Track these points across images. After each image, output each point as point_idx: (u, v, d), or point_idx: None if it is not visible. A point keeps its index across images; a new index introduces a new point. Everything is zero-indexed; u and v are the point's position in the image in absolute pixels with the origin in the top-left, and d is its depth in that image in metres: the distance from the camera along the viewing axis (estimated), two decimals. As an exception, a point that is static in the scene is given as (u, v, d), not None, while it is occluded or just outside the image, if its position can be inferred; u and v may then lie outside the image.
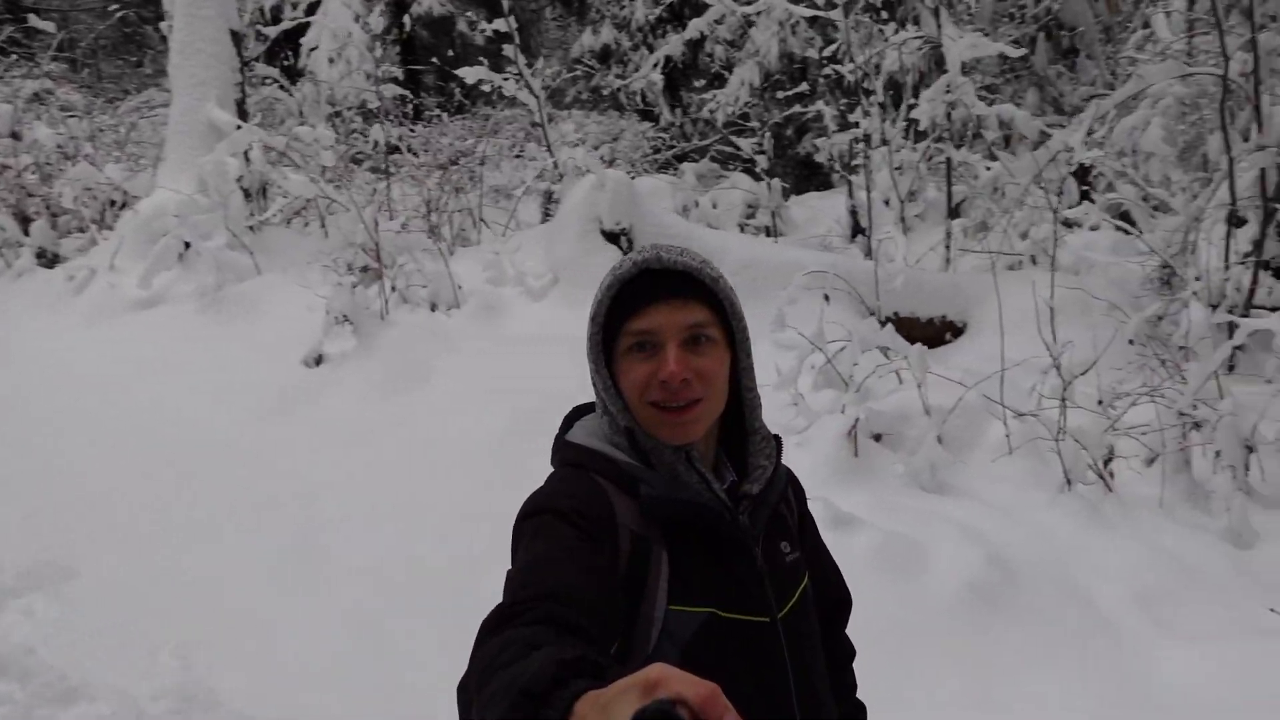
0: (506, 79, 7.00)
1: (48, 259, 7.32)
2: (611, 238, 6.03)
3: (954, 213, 8.37)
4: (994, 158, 8.71)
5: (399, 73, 12.32)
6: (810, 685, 1.18)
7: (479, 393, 4.66)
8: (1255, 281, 6.09)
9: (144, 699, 2.77)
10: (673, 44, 10.65)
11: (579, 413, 1.30)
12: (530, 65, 9.59)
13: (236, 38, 7.14)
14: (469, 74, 6.66)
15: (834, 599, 1.38)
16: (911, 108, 7.81)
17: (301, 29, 10.76)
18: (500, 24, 6.63)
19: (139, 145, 9.06)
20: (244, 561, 3.53)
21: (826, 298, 4.73)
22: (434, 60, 12.42)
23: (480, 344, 5.34)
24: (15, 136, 7.83)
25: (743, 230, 9.41)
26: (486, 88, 7.15)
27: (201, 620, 3.07)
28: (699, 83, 12.83)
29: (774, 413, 4.65)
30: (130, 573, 3.36)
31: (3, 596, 3.29)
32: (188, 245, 6.24)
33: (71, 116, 8.94)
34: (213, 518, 3.82)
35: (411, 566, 3.47)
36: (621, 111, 13.68)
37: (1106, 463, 4.15)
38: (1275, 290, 6.92)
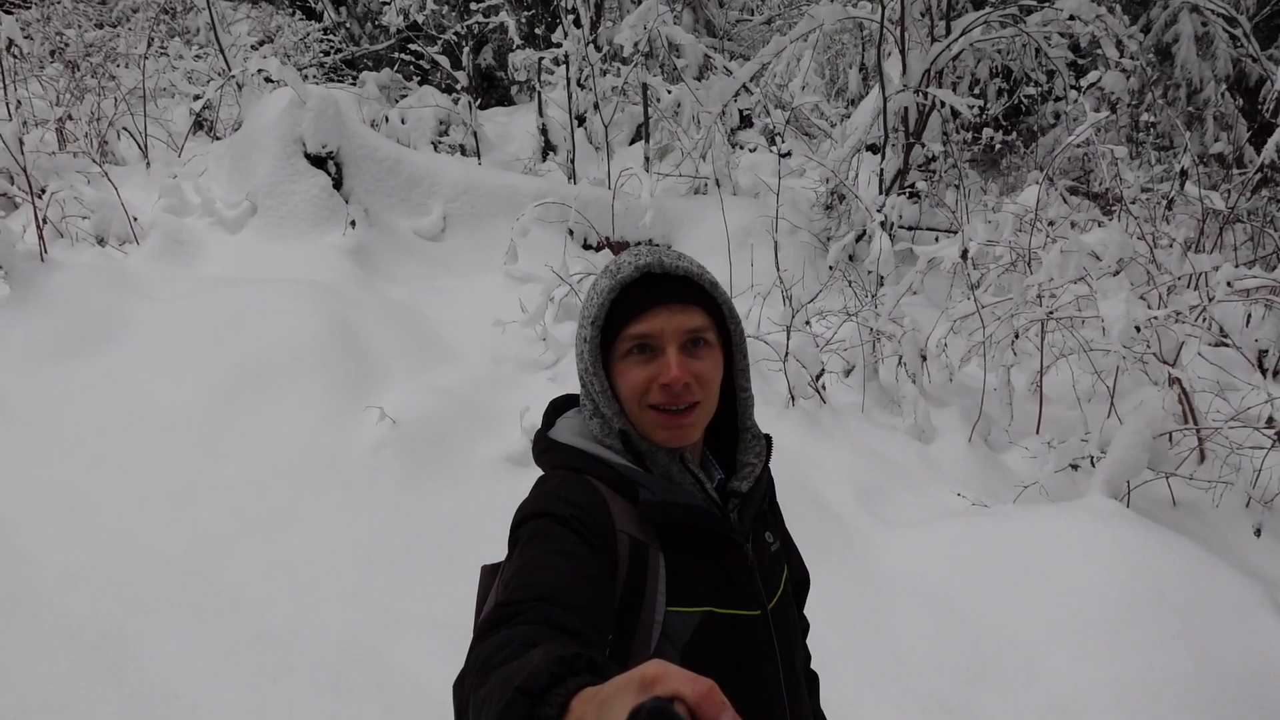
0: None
1: None
2: (317, 161, 5.49)
3: (644, 136, 8.70)
4: (675, 81, 9.13)
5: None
6: (794, 670, 1.26)
7: (183, 349, 4.08)
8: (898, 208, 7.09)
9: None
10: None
11: (557, 407, 1.28)
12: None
13: None
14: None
15: (798, 579, 1.45)
16: (598, 28, 7.87)
17: None
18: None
19: None
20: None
21: (571, 232, 4.74)
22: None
23: (175, 287, 4.65)
24: None
25: (437, 148, 9.01)
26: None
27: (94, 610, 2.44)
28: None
29: (520, 348, 4.63)
30: None
31: None
32: None
33: None
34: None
35: (135, 559, 3.01)
36: (277, 6, 12.24)
37: (819, 378, 4.69)
38: (910, 212, 8.14)
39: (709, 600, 1.14)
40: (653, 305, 1.14)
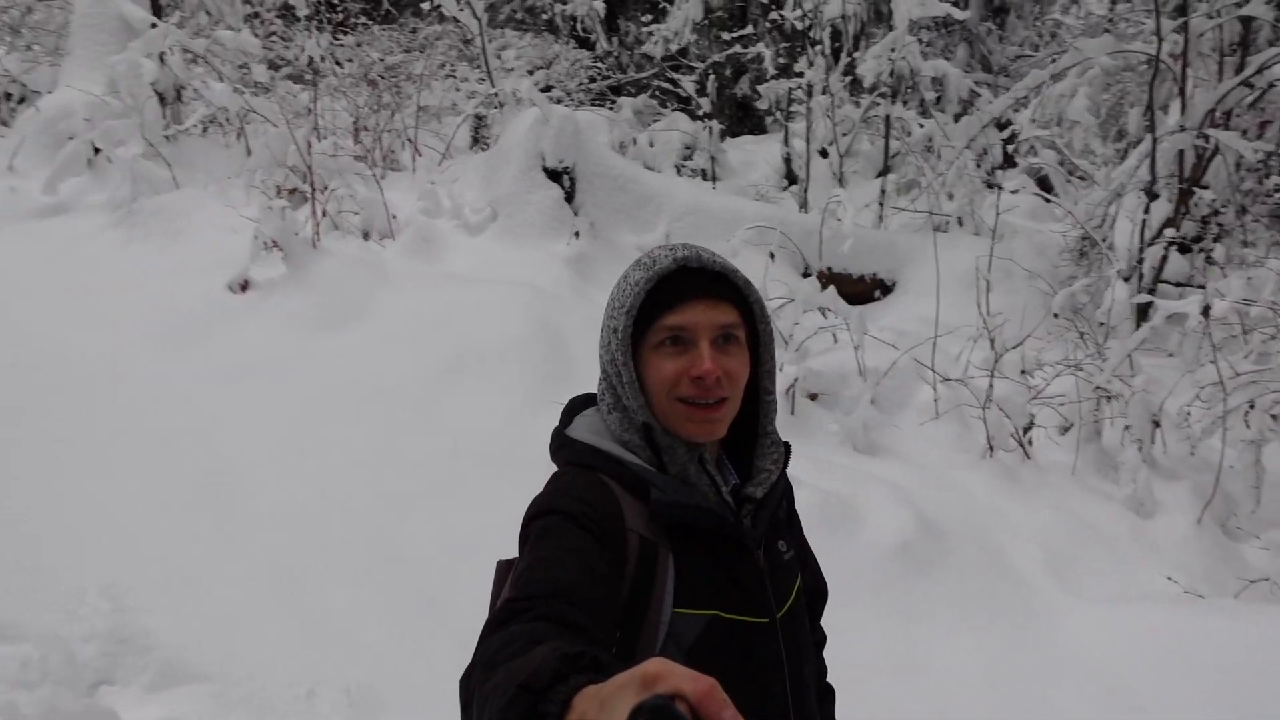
0: (450, -3, 6.68)
1: (-67, 154, 6.72)
2: (554, 175, 5.91)
3: (886, 169, 8.49)
4: (926, 114, 8.83)
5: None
6: (802, 681, 1.23)
7: (414, 332, 4.54)
8: (1165, 259, 6.41)
9: (75, 640, 2.67)
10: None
11: (575, 405, 1.29)
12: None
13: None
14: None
15: (814, 590, 1.43)
16: (851, 60, 7.80)
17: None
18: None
19: (37, 32, 8.33)
20: (153, 500, 3.39)
21: (772, 256, 4.76)
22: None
23: (417, 280, 5.19)
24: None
25: (679, 172, 9.34)
26: (425, 4, 6.80)
27: (122, 561, 2.95)
28: (640, 14, 12.52)
29: (713, 366, 4.69)
30: (41, 508, 3.20)
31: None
32: (98, 150, 5.82)
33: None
34: (119, 451, 3.65)
35: (327, 508, 3.40)
36: (556, 36, 13.27)
37: (1026, 430, 4.36)
38: (1180, 266, 7.31)
39: (717, 604, 1.13)
40: (688, 298, 1.14)
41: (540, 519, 1.09)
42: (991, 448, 4.25)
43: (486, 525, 3.40)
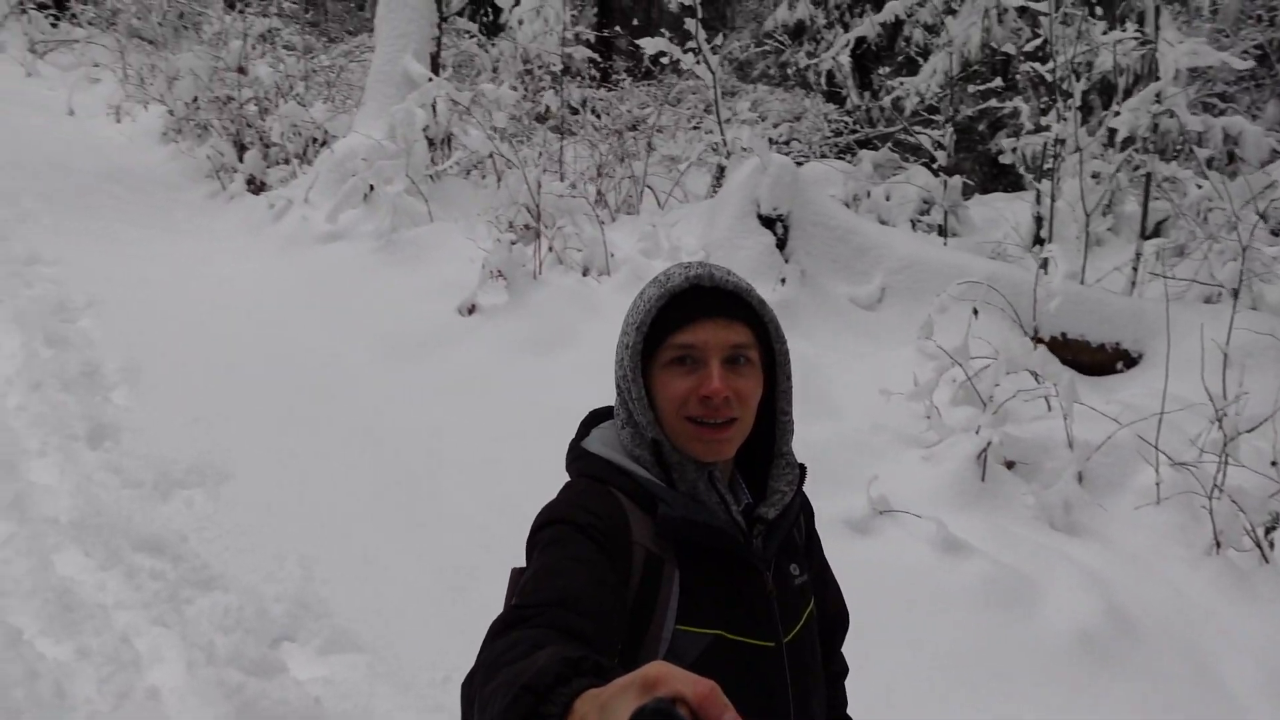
0: (687, 51, 7.01)
1: (256, 186, 8.04)
2: (767, 222, 5.98)
3: (1150, 232, 7.72)
4: (1205, 174, 7.95)
5: (591, 35, 12.55)
6: (808, 711, 1.20)
7: (607, 364, 4.78)
8: None
9: (268, 598, 3.08)
10: (867, 25, 10.28)
11: (595, 417, 1.31)
12: (718, 36, 9.55)
13: (438, -6, 7.52)
14: (649, 44, 6.72)
15: (833, 616, 1.39)
16: (1113, 114, 7.23)
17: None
18: (683, -5, 6.65)
19: (347, 88, 9.73)
20: (356, 488, 3.81)
21: (975, 311, 4.52)
22: (619, 26, 12.59)
23: (623, 314, 5.46)
24: (242, 71, 8.60)
25: (914, 227, 9.06)
26: (666, 60, 7.19)
27: (319, 537, 3.36)
28: (890, 68, 12.38)
29: (905, 422, 4.52)
30: (272, 483, 3.72)
31: (171, 487, 3.71)
32: (373, 187, 6.69)
33: (291, 54, 9.70)
34: (344, 445, 4.14)
35: (502, 517, 3.64)
36: (808, 90, 13.39)
37: (1268, 531, 3.78)
38: None
39: (720, 624, 1.13)
40: (699, 317, 1.14)
41: (548, 528, 1.11)
42: (1219, 544, 3.73)
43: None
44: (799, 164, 10.03)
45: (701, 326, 1.14)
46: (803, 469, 1.27)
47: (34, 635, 2.91)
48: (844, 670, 1.44)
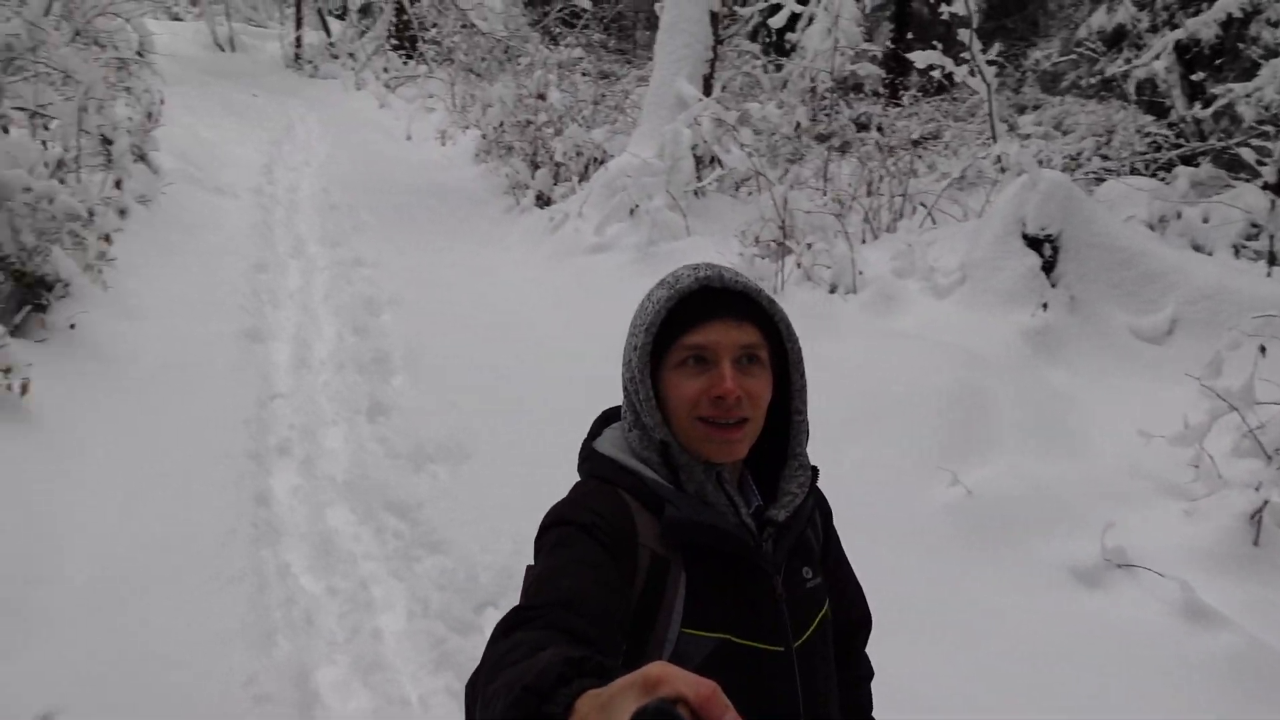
0: (961, 63, 6.69)
1: (544, 201, 8.82)
2: (1033, 243, 5.55)
3: None
4: None
5: (878, 51, 12.29)
6: (822, 716, 1.17)
7: (834, 377, 4.69)
8: None
9: (480, 566, 3.42)
10: (1198, 24, 9.13)
11: (608, 417, 1.30)
12: (1024, 46, 8.97)
13: (714, 18, 7.80)
14: (919, 58, 6.50)
15: (855, 619, 1.35)
16: None
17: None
18: (959, 6, 6.34)
19: (635, 111, 10.36)
20: (564, 481, 4.08)
21: (1263, 349, 3.90)
22: (917, 39, 12.18)
23: (860, 331, 5.33)
24: (541, 97, 9.49)
25: (1237, 253, 7.89)
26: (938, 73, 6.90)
27: (536, 519, 3.63)
28: (1232, 74, 10.83)
29: (1168, 470, 4.03)
30: (502, 466, 4.11)
31: (423, 460, 4.23)
32: (639, 203, 7.09)
33: (586, 80, 10.52)
34: (564, 440, 4.45)
35: None
36: (1125, 102, 12.11)
37: None
38: None
39: (727, 628, 1.11)
40: (709, 318, 1.14)
41: (555, 529, 1.12)
42: None
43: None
44: (1099, 182, 9.13)
45: (712, 327, 1.13)
46: (815, 471, 1.24)
47: (299, 571, 3.47)
48: (868, 674, 1.39)
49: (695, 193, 7.45)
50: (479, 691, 0.86)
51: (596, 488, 1.18)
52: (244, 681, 2.76)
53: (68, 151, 5.71)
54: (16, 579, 3.24)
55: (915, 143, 10.44)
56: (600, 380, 5.19)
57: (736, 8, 9.87)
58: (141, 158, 8.02)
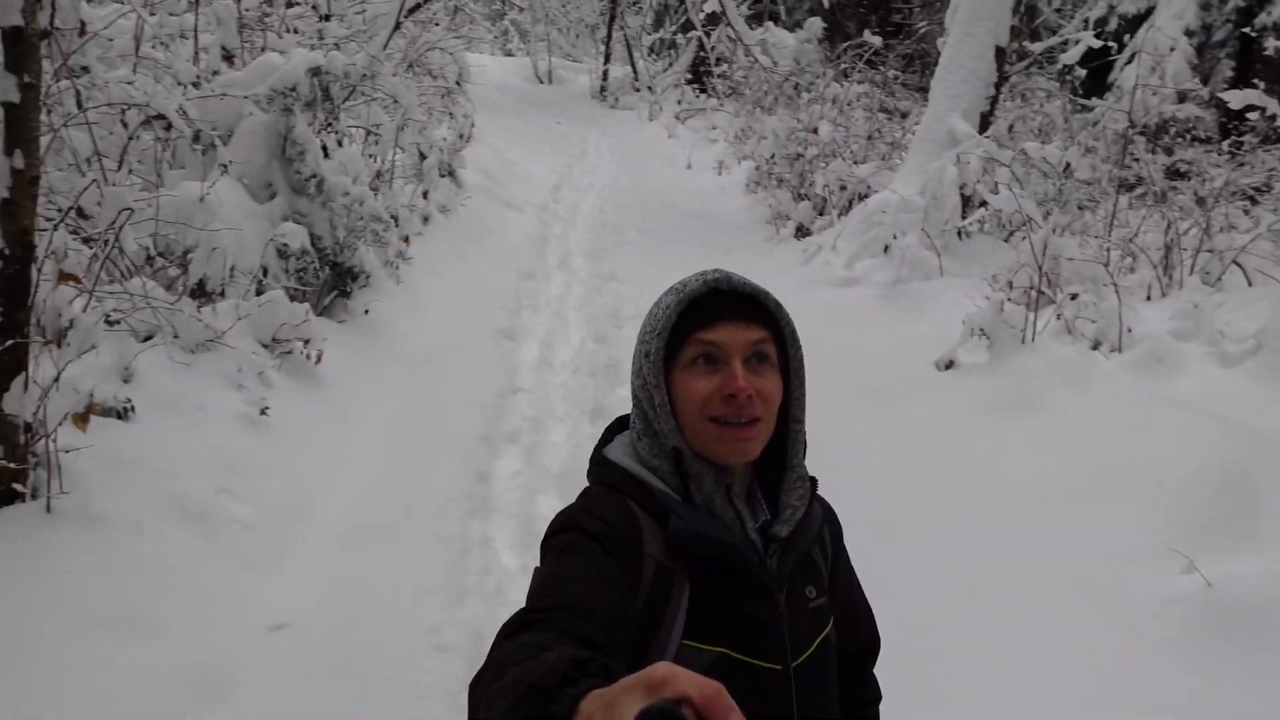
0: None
1: (803, 232, 8.87)
2: (1354, 313, 4.74)
3: None
4: None
5: (1205, 92, 10.99)
6: None
7: (1071, 439, 4.31)
8: None
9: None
10: None
11: (621, 424, 1.29)
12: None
13: (1000, 54, 7.43)
14: (1234, 97, 5.77)
15: (863, 640, 1.32)
16: None
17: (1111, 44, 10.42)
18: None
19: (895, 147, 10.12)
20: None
21: None
22: (1261, 80, 10.72)
23: (1119, 395, 4.84)
24: (815, 131, 9.55)
25: None
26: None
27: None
28: None
29: None
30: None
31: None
32: (896, 237, 6.94)
33: (866, 115, 10.42)
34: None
35: (918, 574, 3.56)
36: None
37: None
38: None
39: (726, 642, 1.11)
40: (719, 318, 1.14)
41: (560, 534, 1.12)
42: None
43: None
44: None
45: (721, 326, 1.14)
46: (813, 481, 1.22)
47: (501, 546, 3.81)
48: (876, 696, 1.34)
49: (959, 233, 7.15)
50: (483, 691, 0.85)
51: (605, 495, 1.17)
52: (429, 629, 3.10)
53: (384, 164, 6.66)
54: (287, 513, 3.87)
55: (1243, 195, 9.20)
56: (831, 412, 5.14)
57: (1027, 43, 9.31)
58: (450, 173, 9.12)
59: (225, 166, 5.05)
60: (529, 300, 6.93)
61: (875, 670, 1.38)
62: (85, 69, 5.02)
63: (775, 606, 1.14)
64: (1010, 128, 9.18)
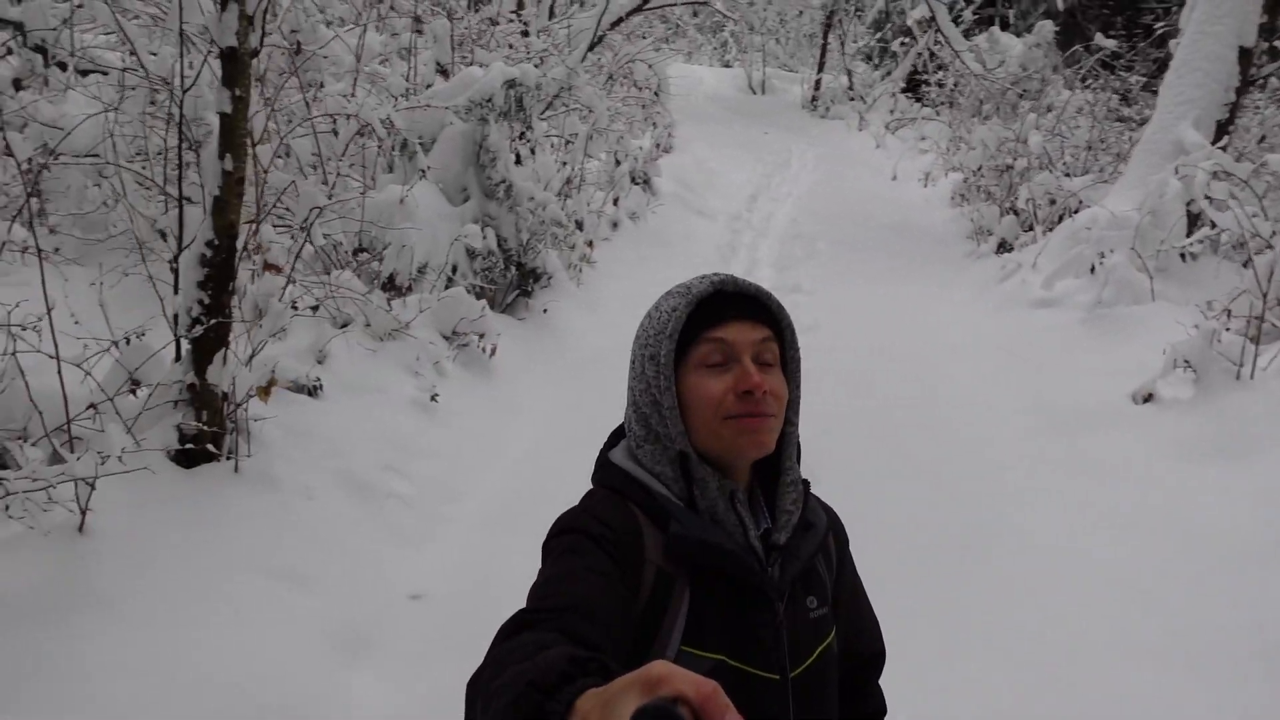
0: None
1: (1005, 248, 8.33)
2: None
3: None
4: None
5: None
6: None
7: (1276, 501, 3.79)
8: None
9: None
10: None
11: (623, 431, 1.28)
12: None
13: (1245, 55, 6.61)
14: None
15: (866, 654, 1.29)
16: None
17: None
18: None
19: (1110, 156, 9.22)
20: (931, 538, 3.89)
21: None
22: None
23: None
24: (1024, 141, 8.95)
25: None
26: None
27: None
28: None
29: None
30: (848, 499, 4.10)
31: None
32: (1102, 257, 6.38)
33: (1091, 123, 9.62)
34: (927, 485, 4.24)
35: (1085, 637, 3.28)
36: None
37: None
38: None
39: (724, 650, 1.10)
40: (727, 317, 1.14)
41: (562, 536, 1.11)
42: None
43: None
44: None
45: (730, 325, 1.14)
46: (806, 484, 1.19)
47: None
48: (880, 709, 1.30)
49: (1182, 255, 6.45)
50: (481, 688, 0.85)
51: (607, 498, 1.17)
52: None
53: (574, 171, 6.96)
54: (442, 493, 4.15)
55: None
56: (1011, 440, 4.83)
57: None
58: (646, 181, 9.38)
59: (424, 171, 5.49)
60: (705, 307, 6.99)
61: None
62: (322, 84, 5.67)
63: (775, 615, 1.13)
64: (1261, 139, 8.15)
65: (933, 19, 10.72)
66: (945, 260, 8.71)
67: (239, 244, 3.43)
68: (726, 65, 25.32)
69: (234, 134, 3.28)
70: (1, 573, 2.70)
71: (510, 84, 5.78)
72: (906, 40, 17.60)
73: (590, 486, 1.24)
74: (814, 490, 1.22)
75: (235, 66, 3.22)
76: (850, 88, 19.59)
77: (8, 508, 2.76)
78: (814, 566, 1.21)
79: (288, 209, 4.85)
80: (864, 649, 1.31)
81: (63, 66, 5.14)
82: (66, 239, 4.98)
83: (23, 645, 2.48)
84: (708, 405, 1.13)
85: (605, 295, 6.61)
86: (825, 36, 19.78)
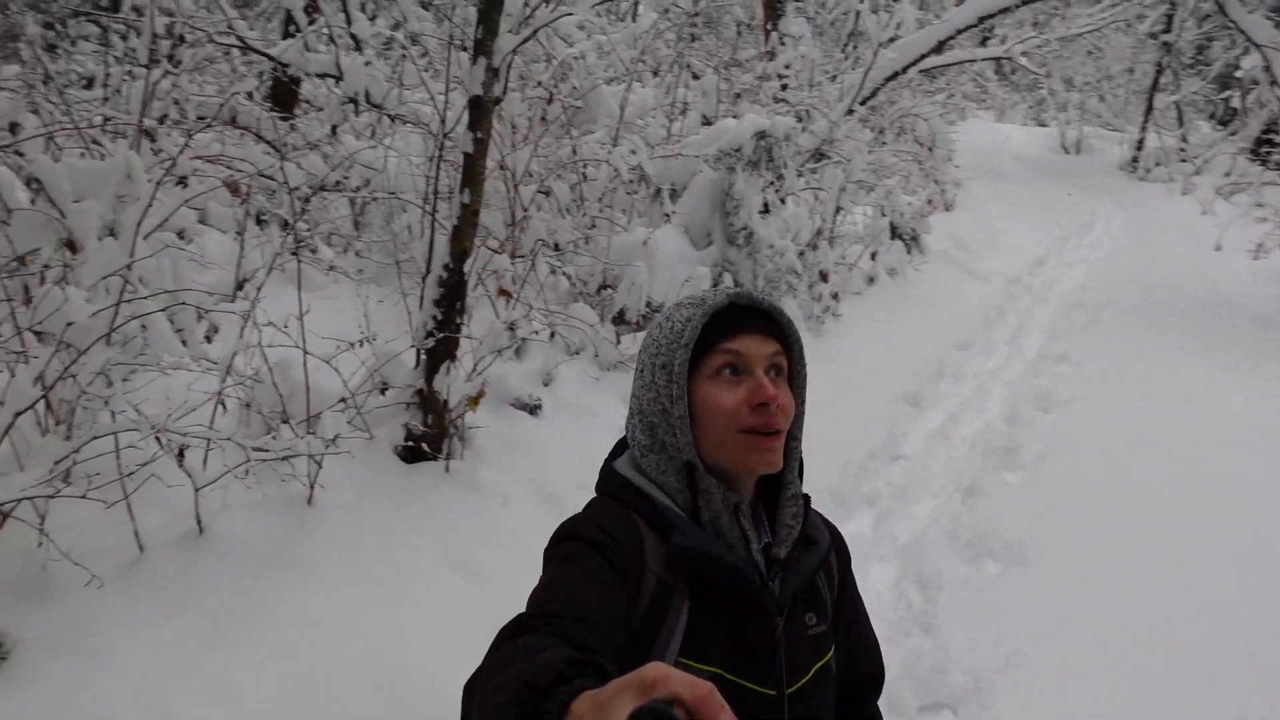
0: None
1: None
2: None
3: None
4: None
5: None
6: None
7: None
8: None
9: (953, 656, 3.22)
10: None
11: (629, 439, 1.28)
12: None
13: None
14: None
15: (864, 673, 1.28)
16: None
17: None
18: None
19: None
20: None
21: None
22: None
23: None
24: None
25: None
26: None
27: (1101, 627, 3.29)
28: None
29: None
30: (1050, 580, 3.69)
31: (980, 554, 4.06)
32: None
33: None
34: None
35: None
36: None
37: None
38: None
39: (722, 663, 1.10)
40: (740, 330, 1.16)
41: (563, 543, 1.12)
42: None
43: None
44: None
45: (744, 338, 1.15)
46: (807, 499, 1.20)
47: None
48: None
49: None
50: (477, 689, 0.86)
51: (610, 506, 1.18)
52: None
53: (825, 223, 6.93)
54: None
55: None
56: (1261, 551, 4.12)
57: None
58: (914, 237, 9.07)
59: (668, 216, 5.77)
60: (954, 370, 6.61)
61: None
62: (590, 130, 6.19)
63: (773, 630, 1.13)
64: None
65: (1266, 66, 9.25)
66: (1256, 343, 7.50)
67: (476, 269, 3.83)
68: (1041, 124, 23.74)
69: (474, 171, 3.69)
70: (246, 527, 3.22)
71: (760, 135, 5.92)
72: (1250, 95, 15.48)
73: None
74: None
75: (479, 112, 3.64)
76: (1183, 148, 17.53)
77: (255, 475, 3.29)
78: (815, 583, 1.21)
79: (542, 242, 5.33)
80: (863, 669, 1.29)
81: (391, 117, 6.06)
82: (367, 262, 5.83)
83: (245, 589, 2.94)
84: (721, 416, 1.14)
85: (841, 349, 6.48)
86: (1152, 92, 17.92)
